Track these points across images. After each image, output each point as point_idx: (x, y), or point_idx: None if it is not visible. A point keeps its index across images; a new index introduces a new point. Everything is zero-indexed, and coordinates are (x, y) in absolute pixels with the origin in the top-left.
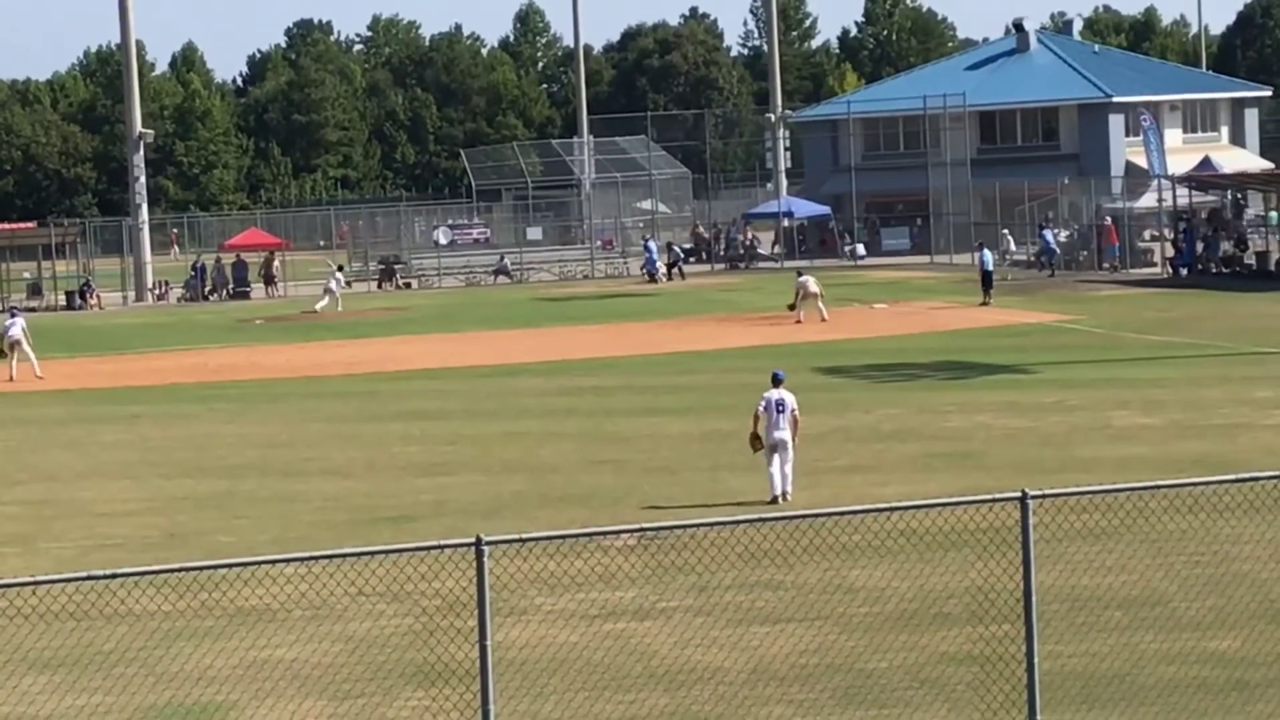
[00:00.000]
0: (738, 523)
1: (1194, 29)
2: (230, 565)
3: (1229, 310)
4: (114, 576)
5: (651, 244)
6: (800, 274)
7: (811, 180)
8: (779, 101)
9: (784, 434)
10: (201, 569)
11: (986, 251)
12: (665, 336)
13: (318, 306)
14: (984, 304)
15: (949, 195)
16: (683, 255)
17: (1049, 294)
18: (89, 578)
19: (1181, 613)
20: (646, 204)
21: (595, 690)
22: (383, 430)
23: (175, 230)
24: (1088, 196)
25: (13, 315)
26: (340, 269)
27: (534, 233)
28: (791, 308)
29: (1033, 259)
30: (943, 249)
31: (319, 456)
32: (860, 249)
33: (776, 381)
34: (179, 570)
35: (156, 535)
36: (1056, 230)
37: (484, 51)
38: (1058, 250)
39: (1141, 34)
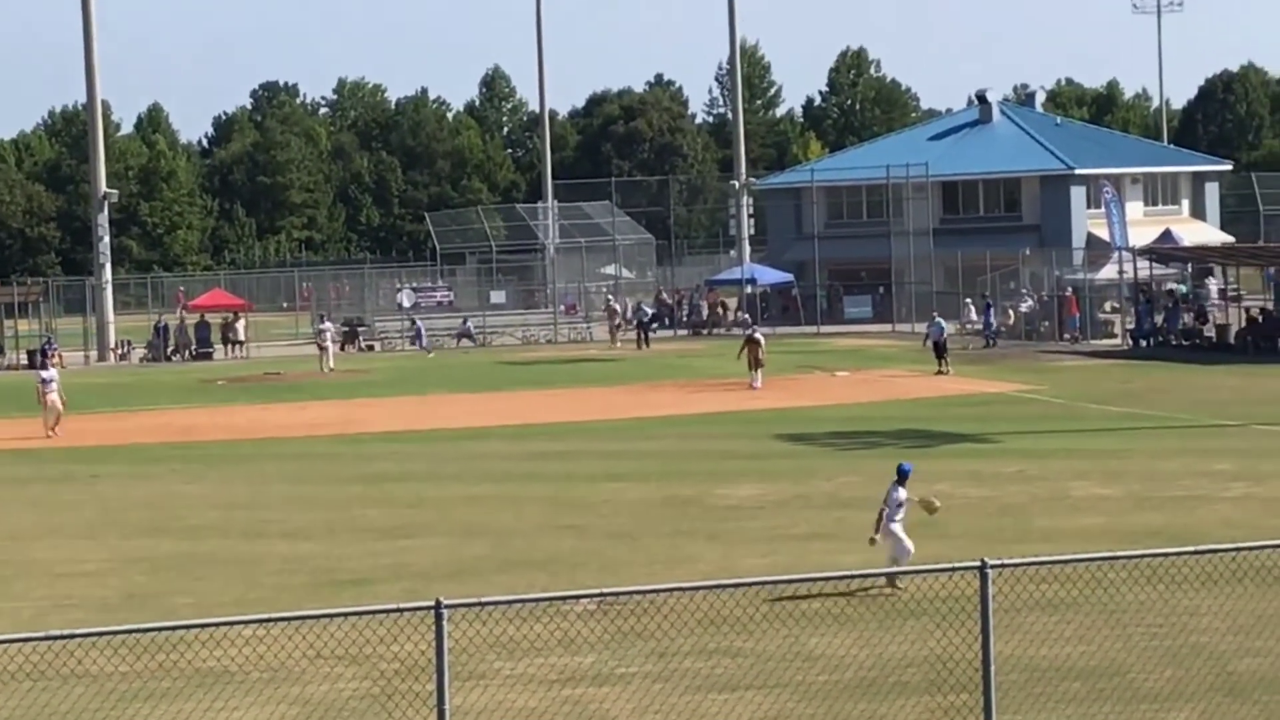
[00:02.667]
0: (697, 588)
1: (1156, 103)
2: (189, 626)
3: (1189, 382)
4: (72, 636)
5: (615, 303)
6: (751, 327)
7: (775, 247)
8: (743, 169)
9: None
10: (160, 630)
11: (942, 321)
12: (628, 401)
13: (328, 367)
14: (940, 373)
15: (911, 264)
16: (649, 317)
17: (1010, 364)
18: (46, 637)
19: (1139, 684)
20: (610, 269)
21: None
22: (344, 493)
23: (182, 289)
24: (1049, 267)
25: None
26: (323, 317)
27: (497, 296)
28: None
29: (982, 329)
30: (905, 317)
31: (279, 518)
32: (745, 318)
33: (901, 475)
34: (137, 631)
35: (115, 595)
36: (1023, 296)
37: (449, 115)
38: (994, 325)
39: (1104, 107)
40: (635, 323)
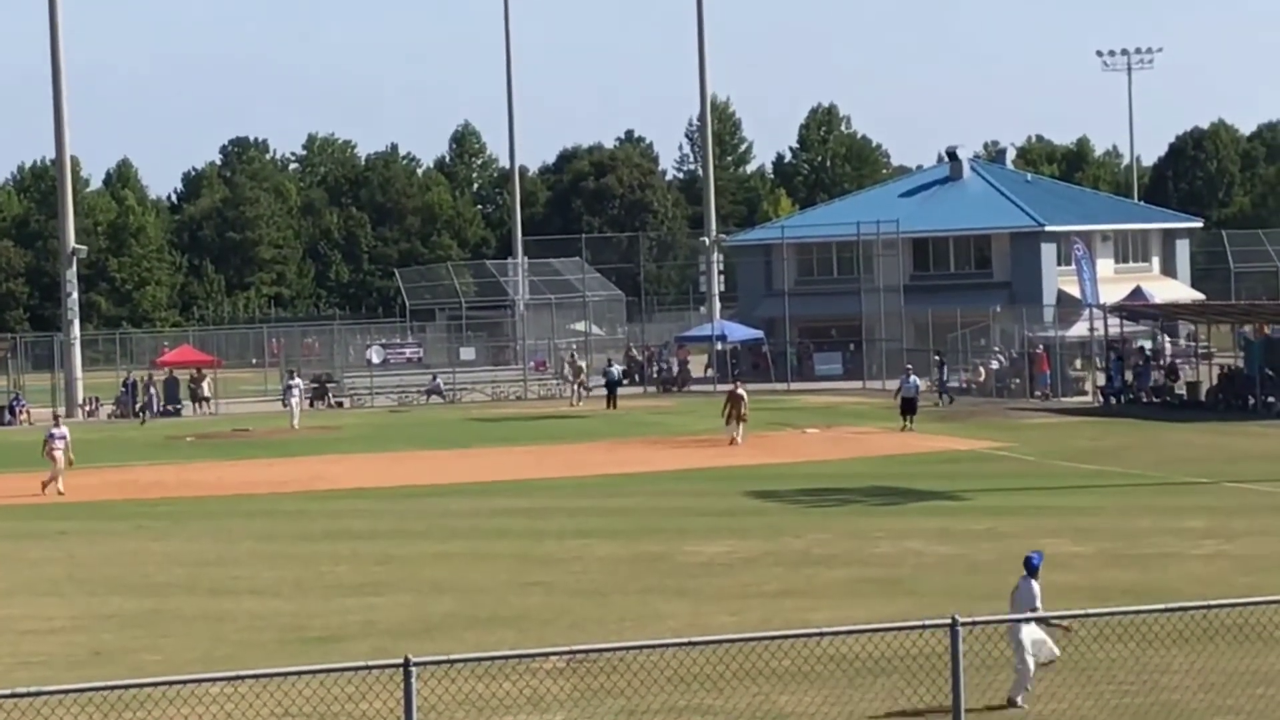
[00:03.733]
0: (666, 645)
1: (1126, 160)
2: (155, 684)
3: (1159, 440)
4: (38, 694)
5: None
6: (735, 384)
7: (745, 304)
8: (713, 225)
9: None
10: (126, 688)
11: (915, 378)
12: (597, 459)
13: (293, 424)
14: (905, 429)
15: (882, 321)
16: (619, 376)
17: (981, 421)
18: (12, 695)
19: None
20: (580, 325)
21: None
22: (312, 549)
23: (165, 344)
24: (1020, 324)
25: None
26: (293, 373)
27: (467, 353)
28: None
29: (936, 389)
30: (875, 374)
31: (247, 575)
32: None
33: (1031, 569)
34: (103, 689)
35: (82, 653)
36: (993, 353)
37: (419, 171)
38: (947, 382)
39: (1074, 164)
40: (605, 381)
